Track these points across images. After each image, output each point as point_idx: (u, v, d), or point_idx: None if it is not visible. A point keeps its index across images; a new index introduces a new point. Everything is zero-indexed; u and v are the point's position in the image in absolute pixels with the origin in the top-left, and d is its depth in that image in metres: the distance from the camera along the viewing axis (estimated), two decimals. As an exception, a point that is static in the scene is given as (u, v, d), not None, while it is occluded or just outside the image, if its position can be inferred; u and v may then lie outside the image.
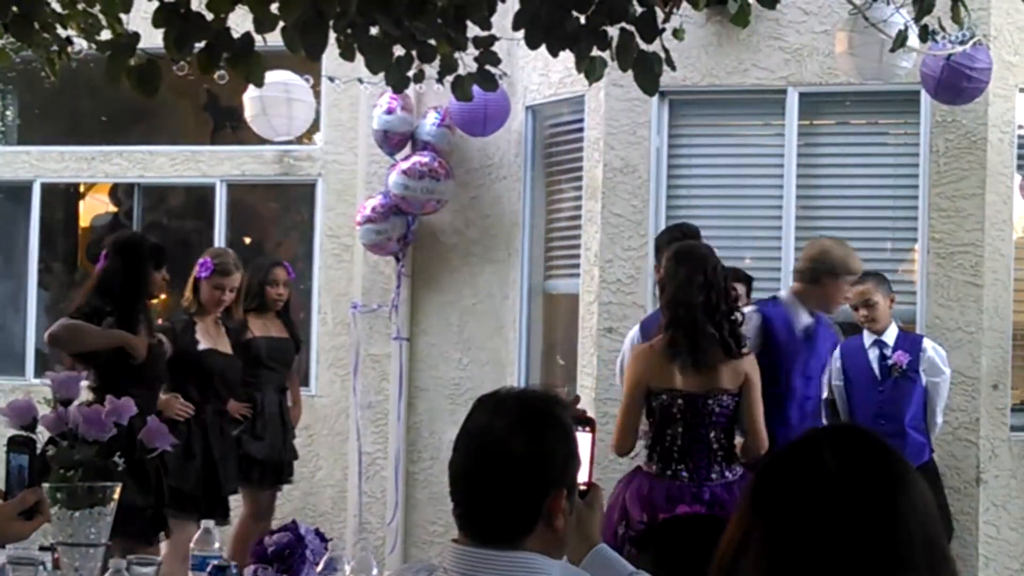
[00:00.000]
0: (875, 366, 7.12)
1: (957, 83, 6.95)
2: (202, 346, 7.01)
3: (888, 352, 7.09)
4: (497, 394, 2.63)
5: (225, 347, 7.19)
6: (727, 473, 5.54)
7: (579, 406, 2.96)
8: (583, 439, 2.76)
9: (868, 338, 7.17)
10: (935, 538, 1.81)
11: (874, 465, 1.85)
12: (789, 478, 1.85)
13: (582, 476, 2.75)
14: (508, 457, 2.52)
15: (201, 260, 7.19)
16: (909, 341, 7.14)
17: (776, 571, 1.78)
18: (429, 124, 8.83)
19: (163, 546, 6.49)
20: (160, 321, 7.22)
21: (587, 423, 2.82)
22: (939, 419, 7.16)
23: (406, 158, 8.80)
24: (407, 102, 8.78)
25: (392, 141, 8.84)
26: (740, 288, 6.34)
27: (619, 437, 5.62)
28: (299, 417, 8.17)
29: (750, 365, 5.60)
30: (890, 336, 7.13)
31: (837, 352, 7.18)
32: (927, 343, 7.17)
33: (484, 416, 2.58)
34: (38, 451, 3.45)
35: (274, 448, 7.76)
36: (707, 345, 5.51)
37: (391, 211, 8.81)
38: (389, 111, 8.77)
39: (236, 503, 7.52)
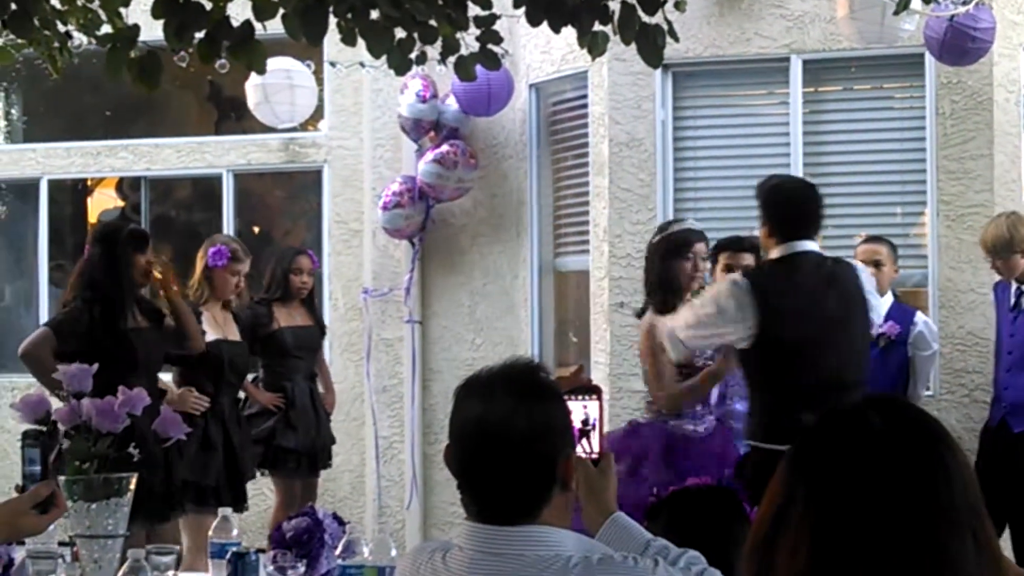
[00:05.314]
0: None
1: (961, 44, 6.91)
2: (210, 337, 6.96)
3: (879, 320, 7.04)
4: (480, 378, 2.59)
5: (233, 334, 7.16)
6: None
7: (595, 384, 2.95)
8: (592, 407, 2.75)
9: None
10: (976, 500, 1.79)
11: (920, 426, 1.82)
12: (834, 441, 1.81)
13: (594, 445, 2.75)
14: (516, 437, 2.52)
15: (213, 249, 7.13)
16: (902, 312, 7.08)
17: (821, 537, 1.75)
18: (454, 108, 8.78)
19: (180, 523, 6.51)
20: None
21: (593, 391, 2.81)
22: (921, 392, 7.06)
23: (435, 146, 8.73)
24: (435, 88, 8.73)
25: (422, 128, 8.80)
26: (749, 257, 6.28)
27: (667, 402, 5.89)
28: (334, 403, 8.15)
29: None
30: (884, 305, 7.07)
31: None
32: (919, 317, 7.07)
33: (478, 403, 2.56)
34: (59, 443, 3.45)
35: (308, 437, 7.67)
36: None
37: (418, 196, 8.80)
38: (422, 100, 8.68)
39: (254, 490, 7.53)
